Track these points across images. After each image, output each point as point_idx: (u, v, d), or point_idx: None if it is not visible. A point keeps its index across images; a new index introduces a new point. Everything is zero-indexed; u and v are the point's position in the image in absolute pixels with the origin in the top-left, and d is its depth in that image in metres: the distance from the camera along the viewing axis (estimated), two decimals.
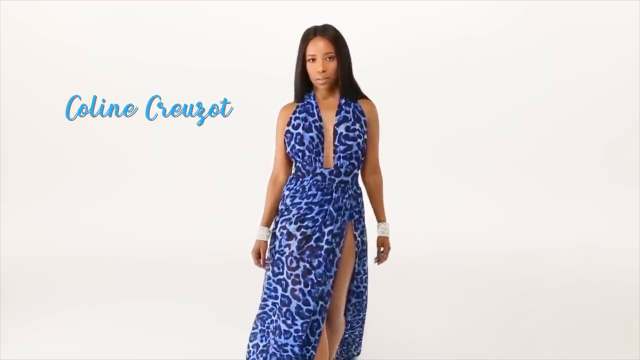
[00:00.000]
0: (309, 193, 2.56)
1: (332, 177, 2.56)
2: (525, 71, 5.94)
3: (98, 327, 3.86)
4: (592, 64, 5.90)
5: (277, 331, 2.55)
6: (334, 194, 2.56)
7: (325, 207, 2.54)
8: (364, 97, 2.66)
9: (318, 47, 2.52)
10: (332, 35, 2.54)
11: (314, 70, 2.55)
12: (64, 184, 6.00)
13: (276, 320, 2.57)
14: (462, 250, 5.38)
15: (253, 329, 2.70)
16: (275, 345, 2.56)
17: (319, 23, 2.62)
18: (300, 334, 2.51)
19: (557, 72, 5.94)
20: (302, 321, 2.51)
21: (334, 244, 2.52)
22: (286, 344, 2.53)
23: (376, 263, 2.78)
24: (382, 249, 2.75)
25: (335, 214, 2.54)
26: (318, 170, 2.56)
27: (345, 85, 2.58)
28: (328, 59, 2.53)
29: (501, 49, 5.93)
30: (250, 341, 2.70)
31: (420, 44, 5.95)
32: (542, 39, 5.92)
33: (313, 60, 2.54)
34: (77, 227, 5.71)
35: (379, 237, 2.74)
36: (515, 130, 6.00)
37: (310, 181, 2.57)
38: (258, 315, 2.67)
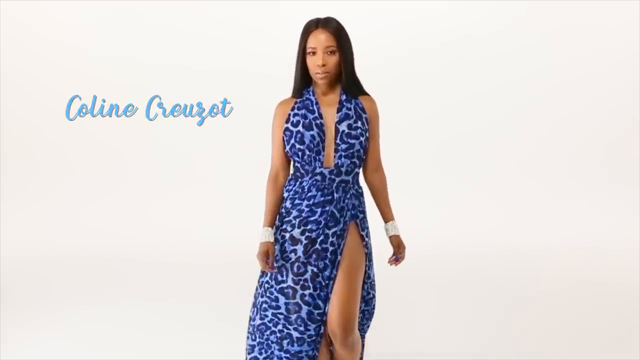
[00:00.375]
0: (309, 194, 2.47)
1: (332, 176, 2.46)
2: (525, 71, 5.94)
3: (98, 327, 3.87)
4: (591, 64, 5.91)
5: (287, 340, 2.46)
6: (334, 194, 2.46)
7: (327, 208, 2.45)
8: (365, 93, 2.55)
9: (319, 40, 2.42)
10: (334, 28, 2.44)
11: (314, 64, 2.44)
12: (64, 184, 6.00)
13: (282, 330, 2.47)
14: (462, 250, 5.36)
15: (252, 340, 2.58)
16: (286, 355, 2.47)
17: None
18: (313, 338, 2.45)
19: (557, 72, 5.93)
20: (314, 325, 2.44)
21: (337, 246, 2.45)
22: (300, 351, 2.45)
23: (393, 265, 2.64)
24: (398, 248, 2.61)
25: (337, 215, 2.45)
26: (317, 170, 2.46)
27: (349, 82, 2.49)
28: (329, 52, 2.43)
29: (501, 49, 5.93)
30: (249, 354, 2.59)
31: (420, 44, 5.95)
32: (541, 39, 5.92)
33: (313, 53, 2.44)
34: (77, 227, 5.70)
35: (392, 237, 2.61)
36: (515, 130, 6.00)
37: (310, 181, 2.48)
38: (257, 326, 2.54)
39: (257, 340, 2.55)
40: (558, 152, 5.99)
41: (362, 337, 2.69)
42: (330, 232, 2.45)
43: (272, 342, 2.51)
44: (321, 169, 2.47)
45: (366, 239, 2.53)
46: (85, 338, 3.69)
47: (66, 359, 3.41)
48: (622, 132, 5.92)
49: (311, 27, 2.45)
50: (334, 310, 2.42)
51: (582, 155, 5.94)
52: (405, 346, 3.56)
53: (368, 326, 2.72)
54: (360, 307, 2.56)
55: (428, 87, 5.95)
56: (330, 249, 2.44)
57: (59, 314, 4.08)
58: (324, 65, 2.42)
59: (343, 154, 2.46)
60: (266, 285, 2.52)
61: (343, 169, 2.47)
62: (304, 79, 2.52)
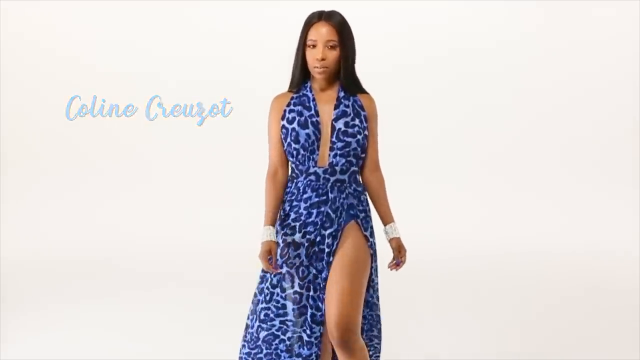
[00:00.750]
0: (305, 196, 2.39)
1: (327, 176, 2.38)
2: (530, 79, 5.95)
3: (98, 327, 3.87)
4: (592, 68, 5.91)
5: (298, 344, 2.40)
6: (329, 194, 2.38)
7: (322, 209, 2.38)
8: (364, 91, 2.47)
9: (320, 33, 2.34)
10: (337, 22, 2.35)
11: (313, 58, 2.36)
12: (63, 184, 5.98)
13: (292, 336, 2.40)
14: (464, 253, 5.31)
15: (256, 350, 2.48)
16: None
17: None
18: (320, 339, 2.38)
19: (565, 79, 5.93)
20: (318, 327, 2.38)
21: (331, 247, 2.37)
22: (310, 354, 2.38)
23: (394, 269, 2.52)
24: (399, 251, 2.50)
25: (333, 216, 2.38)
26: (311, 170, 2.38)
27: (347, 79, 2.41)
28: (329, 47, 2.34)
29: (504, 58, 5.95)
30: None
31: (424, 49, 5.94)
32: (549, 49, 5.96)
33: (313, 46, 2.35)
34: (77, 227, 5.70)
35: (392, 239, 2.49)
36: (517, 134, 5.99)
37: (304, 182, 2.40)
38: (263, 338, 2.45)
39: (265, 351, 2.46)
40: (560, 155, 5.96)
41: (370, 347, 2.54)
42: (326, 233, 2.38)
43: (282, 351, 2.43)
44: (315, 168, 2.39)
45: (370, 239, 2.43)
46: (85, 338, 3.69)
47: (66, 359, 3.40)
48: (622, 134, 5.91)
49: (313, 19, 2.38)
50: (332, 310, 2.31)
51: (583, 159, 5.91)
52: (409, 350, 3.54)
53: (378, 337, 2.57)
54: (362, 313, 2.45)
55: (429, 89, 5.94)
56: (326, 250, 2.37)
57: (59, 314, 4.09)
58: (323, 60, 2.35)
59: (338, 152, 2.37)
60: (266, 292, 2.45)
61: (337, 168, 2.38)
62: (302, 73, 2.45)
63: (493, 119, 5.97)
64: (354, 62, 2.44)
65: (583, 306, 4.30)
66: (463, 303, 4.32)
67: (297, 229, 2.40)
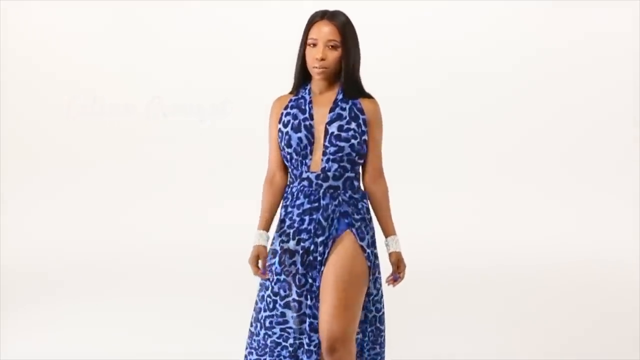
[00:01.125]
0: (297, 202, 2.33)
1: (319, 181, 2.31)
2: (534, 75, 5.92)
3: (98, 327, 3.88)
4: (589, 63, 5.88)
5: (301, 350, 2.36)
6: (321, 200, 2.32)
7: (314, 216, 2.32)
8: (368, 96, 2.38)
9: (321, 32, 2.27)
10: (340, 22, 2.29)
11: (312, 57, 2.29)
12: (63, 184, 5.98)
13: (294, 343, 2.36)
14: (463, 256, 5.28)
15: (259, 357, 2.44)
16: None
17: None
18: (319, 345, 2.33)
19: (563, 78, 5.91)
20: (316, 335, 2.33)
21: (323, 255, 2.31)
22: None
23: (391, 285, 2.42)
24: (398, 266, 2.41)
25: (325, 223, 2.32)
26: (304, 175, 2.33)
27: (348, 82, 2.32)
28: (330, 47, 2.28)
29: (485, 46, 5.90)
30: None
31: (415, 51, 5.94)
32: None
33: (314, 45, 2.29)
34: (77, 227, 5.69)
35: (392, 253, 2.40)
36: (515, 138, 5.96)
37: (298, 187, 2.35)
38: (267, 345, 2.42)
39: (268, 359, 2.43)
40: (559, 158, 5.93)
41: None
42: (318, 240, 2.32)
43: (285, 357, 2.40)
44: (307, 173, 2.34)
45: (367, 249, 2.33)
46: (86, 339, 3.72)
47: (66, 359, 3.40)
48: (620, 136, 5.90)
49: (316, 17, 2.32)
50: (323, 319, 2.27)
51: (585, 162, 5.89)
52: (409, 351, 3.52)
53: (381, 355, 2.50)
54: (365, 330, 2.40)
55: (430, 93, 5.94)
56: (319, 258, 2.32)
57: (59, 314, 4.10)
58: (322, 60, 2.28)
59: (331, 157, 2.31)
60: (268, 300, 2.40)
61: (330, 174, 2.32)
62: (302, 73, 2.40)
63: (492, 123, 5.96)
64: (356, 65, 2.37)
65: (586, 308, 4.29)
66: (463, 305, 4.32)
67: (291, 236, 2.35)
